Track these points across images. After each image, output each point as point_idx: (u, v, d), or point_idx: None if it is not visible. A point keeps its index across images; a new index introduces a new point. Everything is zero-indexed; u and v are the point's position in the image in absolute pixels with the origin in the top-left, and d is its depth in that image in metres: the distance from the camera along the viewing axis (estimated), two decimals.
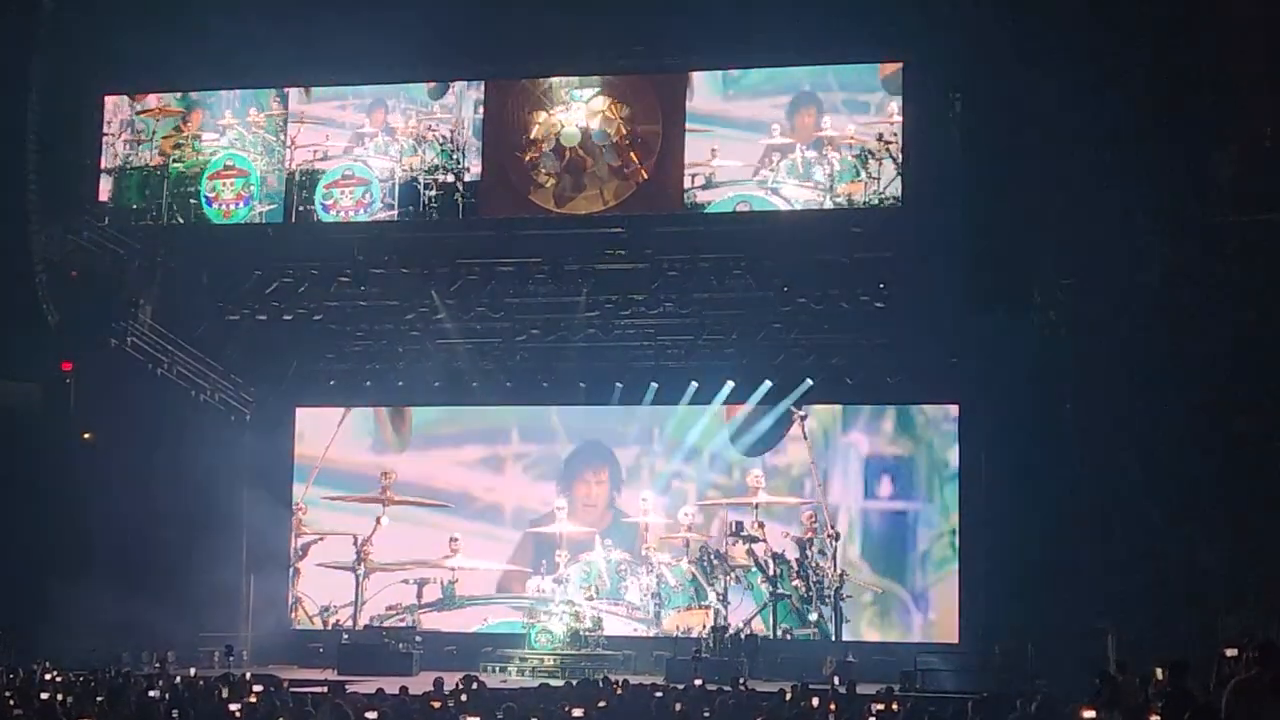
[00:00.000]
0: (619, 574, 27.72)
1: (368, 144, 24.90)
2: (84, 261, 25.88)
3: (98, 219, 25.78)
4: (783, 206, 23.98)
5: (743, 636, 26.19)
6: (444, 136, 24.67)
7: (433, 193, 24.57)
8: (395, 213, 24.72)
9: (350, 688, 19.98)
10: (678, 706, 17.02)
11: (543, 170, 24.47)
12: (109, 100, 25.74)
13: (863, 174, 23.58)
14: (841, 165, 23.68)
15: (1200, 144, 21.78)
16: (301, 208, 24.96)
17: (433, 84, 24.84)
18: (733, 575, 27.40)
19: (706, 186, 24.03)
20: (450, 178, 24.58)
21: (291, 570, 29.30)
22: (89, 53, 25.13)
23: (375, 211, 24.77)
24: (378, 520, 28.90)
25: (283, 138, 25.18)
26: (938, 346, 26.49)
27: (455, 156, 24.61)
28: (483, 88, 24.75)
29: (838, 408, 28.23)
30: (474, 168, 24.58)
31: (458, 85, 24.83)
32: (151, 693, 17.57)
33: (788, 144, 23.84)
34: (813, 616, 27.22)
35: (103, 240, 25.86)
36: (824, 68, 24.08)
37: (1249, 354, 21.44)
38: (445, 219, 24.71)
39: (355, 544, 28.83)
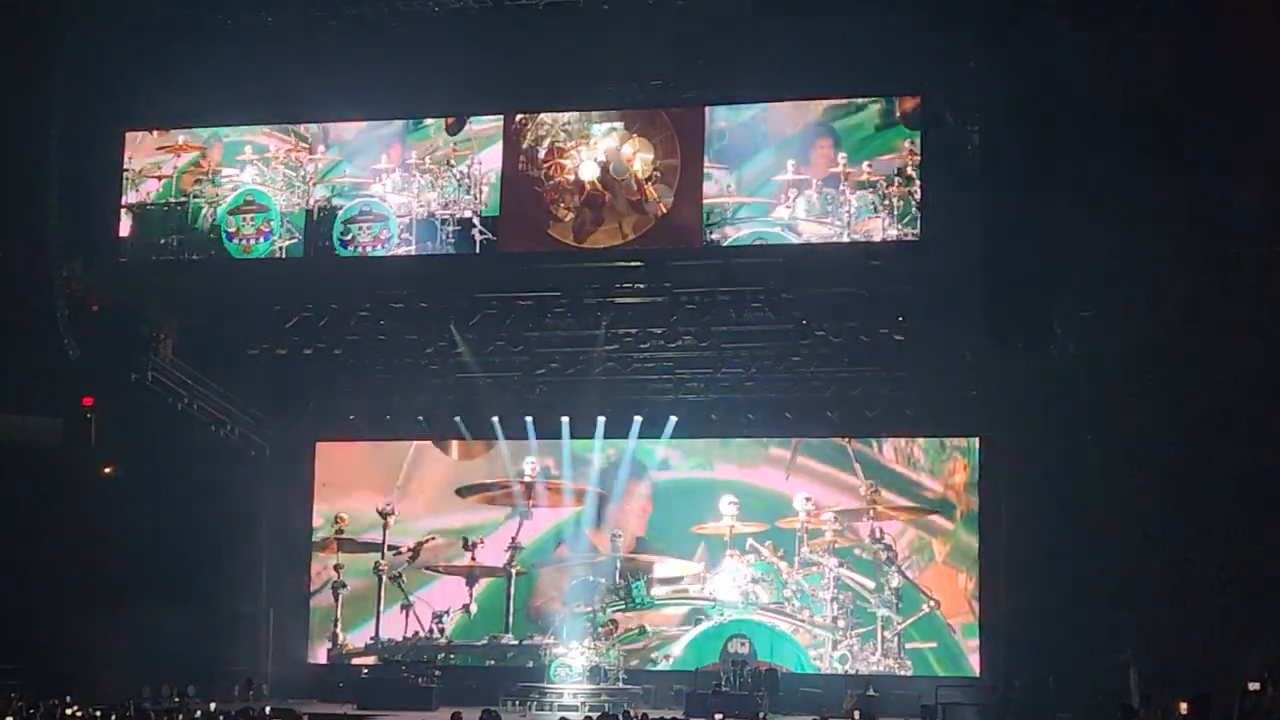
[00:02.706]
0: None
1: (385, 180, 24.96)
2: (105, 297, 25.96)
3: (118, 254, 25.86)
4: (799, 243, 23.94)
5: (762, 670, 26.15)
6: (461, 172, 24.73)
7: (450, 228, 24.63)
8: (413, 248, 24.75)
9: None
10: None
11: (561, 205, 24.50)
12: (130, 136, 25.85)
13: (881, 211, 23.53)
14: (859, 202, 23.61)
15: (1222, 174, 21.70)
16: (320, 243, 25.02)
17: (451, 120, 24.89)
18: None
19: (721, 223, 24.02)
20: (468, 213, 24.62)
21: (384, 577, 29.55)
22: (110, 89, 25.23)
23: (393, 247, 24.82)
24: (521, 520, 29.29)
25: (302, 173, 25.25)
26: (958, 379, 26.47)
27: (473, 192, 24.66)
28: (501, 122, 24.79)
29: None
30: (491, 203, 24.58)
31: (476, 120, 24.87)
32: None
33: (803, 179, 23.80)
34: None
35: (123, 276, 25.93)
36: (841, 102, 24.05)
37: (1270, 386, 21.35)
38: (463, 254, 24.72)
39: (467, 546, 29.09)
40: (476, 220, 24.57)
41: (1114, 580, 23.95)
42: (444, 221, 24.63)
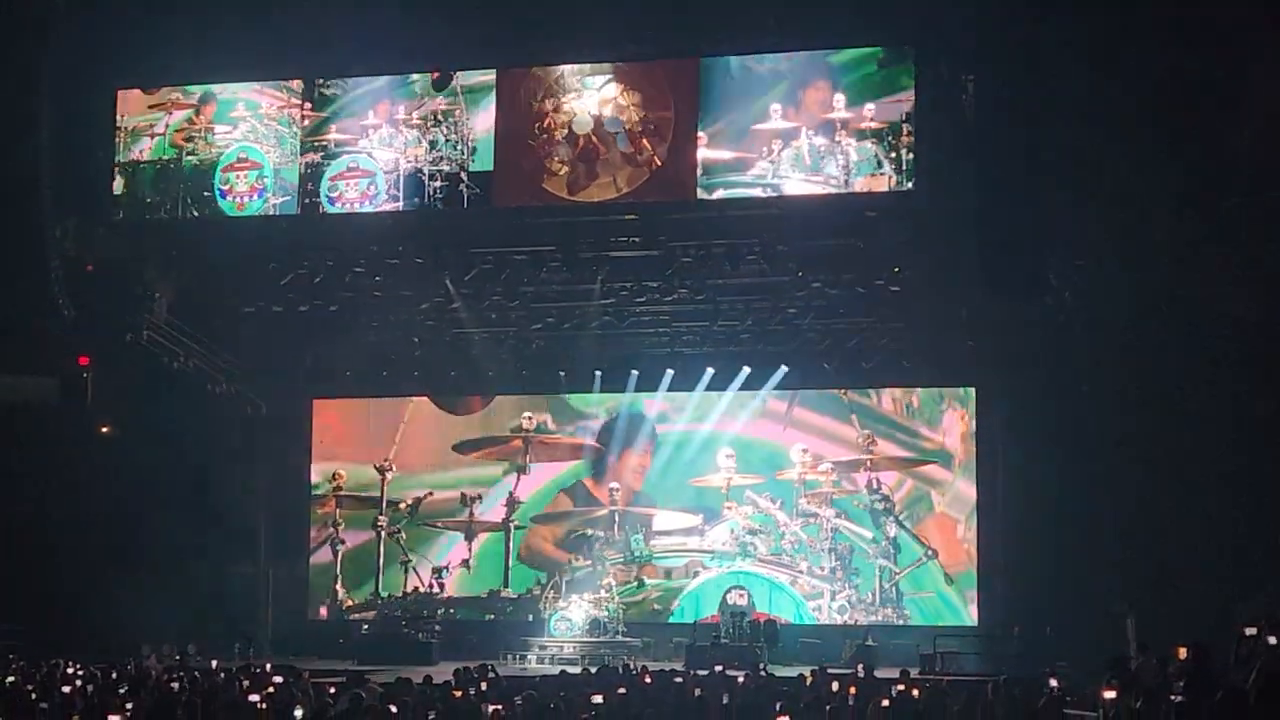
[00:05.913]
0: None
1: (372, 135, 24.75)
2: (99, 255, 25.87)
3: (112, 213, 25.75)
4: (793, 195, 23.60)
5: (761, 621, 26.24)
6: (449, 127, 24.52)
7: (437, 184, 24.41)
8: (400, 204, 24.49)
9: (370, 678, 20.04)
10: (697, 692, 17.03)
11: (556, 158, 24.31)
12: (122, 94, 25.68)
13: (886, 166, 22.65)
14: (859, 155, 22.68)
15: (1215, 124, 21.61)
16: (308, 200, 24.86)
17: (436, 74, 24.58)
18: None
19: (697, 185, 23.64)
20: (455, 168, 24.38)
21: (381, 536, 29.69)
22: (102, 46, 25.05)
23: (380, 203, 24.56)
24: (518, 475, 29.51)
25: (295, 129, 25.09)
26: (953, 330, 26.47)
27: (460, 147, 24.45)
28: (494, 76, 24.60)
29: None
30: (480, 157, 24.37)
31: (467, 75, 24.62)
32: (172, 684, 17.65)
33: (792, 128, 22.94)
34: None
35: (118, 234, 25.84)
36: (836, 51, 23.66)
37: (1265, 336, 21.35)
38: (451, 209, 24.52)
39: (465, 501, 29.31)
40: (464, 175, 24.34)
41: (1111, 530, 24.02)
42: (431, 176, 24.40)
